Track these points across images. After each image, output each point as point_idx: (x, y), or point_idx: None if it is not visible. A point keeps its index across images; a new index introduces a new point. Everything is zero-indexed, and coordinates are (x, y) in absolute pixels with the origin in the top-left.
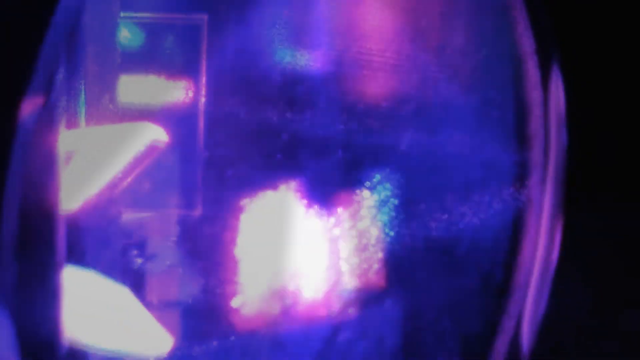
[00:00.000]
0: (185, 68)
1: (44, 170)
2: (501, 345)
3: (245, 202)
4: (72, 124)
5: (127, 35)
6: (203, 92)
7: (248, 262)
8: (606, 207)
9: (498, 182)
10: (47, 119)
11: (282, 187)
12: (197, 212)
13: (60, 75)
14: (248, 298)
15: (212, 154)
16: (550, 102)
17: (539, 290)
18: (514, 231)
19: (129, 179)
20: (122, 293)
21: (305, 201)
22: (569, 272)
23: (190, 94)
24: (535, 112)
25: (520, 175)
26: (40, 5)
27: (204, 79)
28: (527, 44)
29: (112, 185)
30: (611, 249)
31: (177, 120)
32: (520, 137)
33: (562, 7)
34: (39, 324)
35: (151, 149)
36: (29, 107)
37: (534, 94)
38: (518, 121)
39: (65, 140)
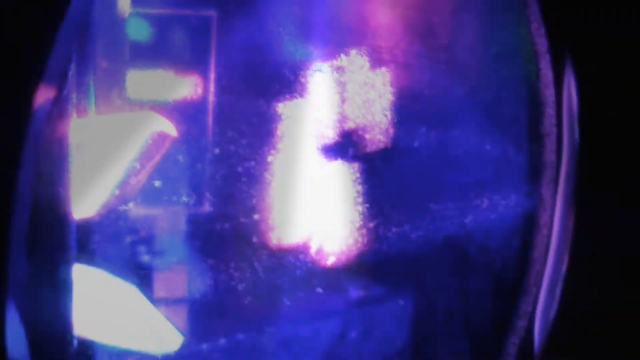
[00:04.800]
0: (194, 63)
1: (55, 165)
2: (512, 346)
3: (254, 197)
4: (82, 118)
5: (136, 29)
6: (212, 87)
7: (257, 258)
8: (618, 207)
9: (510, 181)
10: (59, 114)
11: (291, 183)
12: (205, 208)
13: (72, 70)
14: (256, 294)
15: (221, 149)
16: (562, 101)
17: (550, 291)
18: (526, 231)
19: (141, 177)
20: (130, 291)
21: (314, 198)
22: (581, 273)
23: (199, 90)
24: (548, 111)
25: (532, 174)
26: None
27: (212, 75)
28: (540, 42)
29: (124, 183)
30: (622, 250)
31: (186, 115)
32: (533, 135)
33: (575, 5)
34: (48, 321)
35: (160, 144)
36: (40, 102)
37: (547, 93)
38: (530, 120)
39: (76, 135)
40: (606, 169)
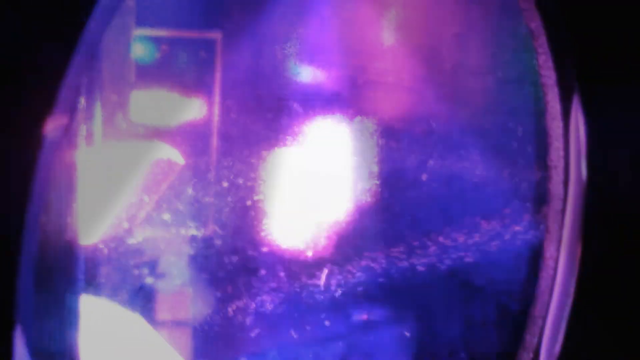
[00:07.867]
0: (198, 86)
1: (64, 196)
2: None
3: (257, 220)
4: (88, 144)
5: (141, 51)
6: (216, 108)
7: (259, 280)
8: (625, 240)
9: (516, 212)
10: (68, 144)
11: (295, 206)
12: (209, 230)
13: (82, 101)
14: (260, 318)
15: (225, 170)
16: (570, 133)
17: (556, 324)
18: (532, 262)
19: (148, 205)
20: (136, 321)
21: (321, 228)
22: (587, 306)
23: (204, 111)
24: (555, 143)
25: (539, 205)
26: (66, 35)
27: (217, 96)
28: (547, 74)
29: (134, 213)
30: (629, 282)
31: (190, 137)
32: (540, 167)
33: (584, 39)
34: (55, 351)
35: (168, 172)
36: (50, 132)
37: (555, 126)
38: (538, 152)
39: (83, 164)
40: (613, 202)
